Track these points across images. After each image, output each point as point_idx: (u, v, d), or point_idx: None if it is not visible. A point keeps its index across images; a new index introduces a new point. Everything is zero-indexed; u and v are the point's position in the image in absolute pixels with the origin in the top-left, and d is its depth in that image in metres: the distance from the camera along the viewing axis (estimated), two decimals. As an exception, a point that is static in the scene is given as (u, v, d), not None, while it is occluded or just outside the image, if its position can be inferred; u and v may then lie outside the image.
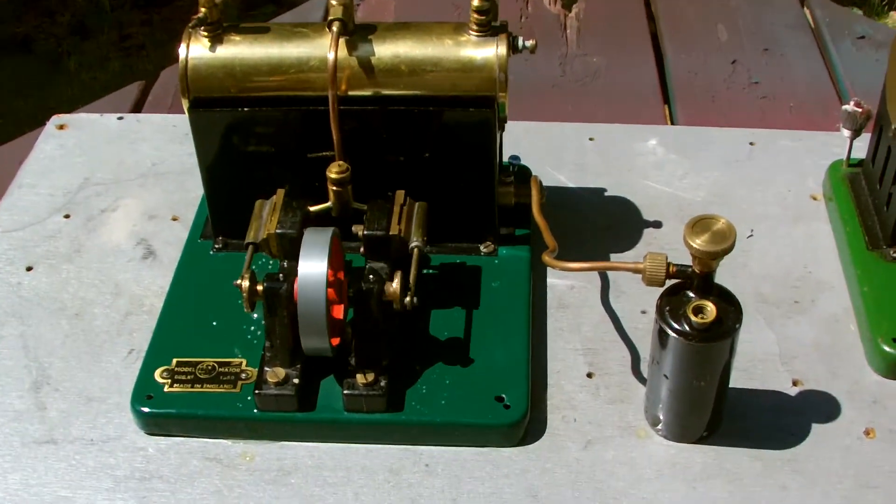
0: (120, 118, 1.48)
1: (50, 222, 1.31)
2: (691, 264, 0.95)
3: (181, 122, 1.43)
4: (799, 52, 1.68)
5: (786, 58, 1.66)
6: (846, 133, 1.25)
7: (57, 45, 3.29)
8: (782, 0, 1.82)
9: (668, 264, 0.96)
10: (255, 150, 1.15)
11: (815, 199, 1.32)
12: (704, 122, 1.50)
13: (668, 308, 0.96)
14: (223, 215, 1.21)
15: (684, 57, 1.67)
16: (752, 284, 1.20)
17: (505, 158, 1.23)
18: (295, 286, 1.00)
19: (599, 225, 1.28)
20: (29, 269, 1.24)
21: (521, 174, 1.23)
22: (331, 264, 1.00)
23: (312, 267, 0.99)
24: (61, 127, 1.46)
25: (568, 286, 1.20)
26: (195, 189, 1.30)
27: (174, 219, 1.31)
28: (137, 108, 1.58)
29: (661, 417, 1.04)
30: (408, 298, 1.01)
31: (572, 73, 1.63)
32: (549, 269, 1.15)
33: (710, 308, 0.94)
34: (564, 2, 1.79)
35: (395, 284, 1.01)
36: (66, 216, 1.32)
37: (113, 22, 3.38)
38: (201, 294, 1.16)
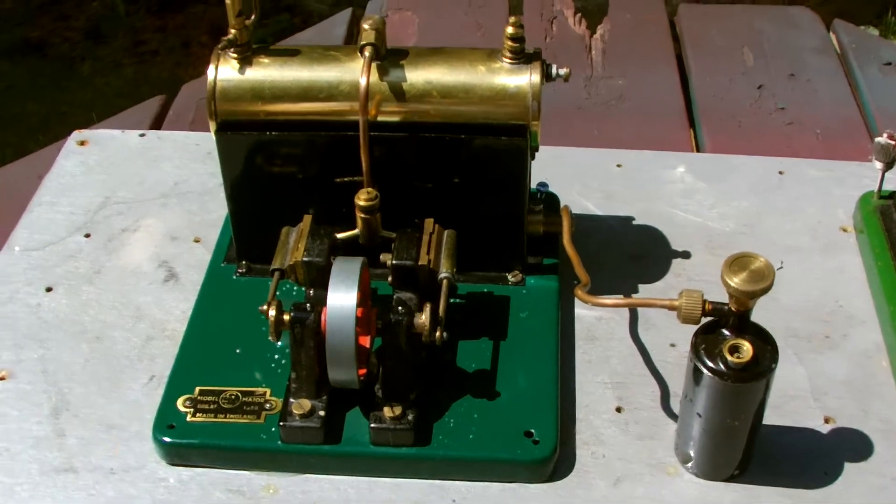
0: (142, 135, 1.47)
1: (70, 242, 1.29)
2: (727, 302, 0.94)
3: (203, 141, 1.42)
4: (825, 78, 1.66)
5: (812, 83, 1.64)
6: (878, 165, 1.23)
7: (71, 49, 3.28)
8: (808, 24, 1.80)
9: (704, 302, 0.95)
10: (281, 175, 1.13)
11: (845, 230, 1.30)
12: (730, 148, 1.48)
13: (703, 346, 0.95)
14: (248, 239, 1.19)
15: (709, 80, 1.66)
16: (782, 318, 1.18)
17: (532, 185, 1.21)
18: (323, 317, 0.99)
19: (628, 254, 1.27)
20: (48, 290, 1.23)
21: (550, 202, 1.22)
22: (359, 295, 0.99)
23: (342, 299, 0.98)
24: (82, 143, 1.45)
25: (596, 317, 1.18)
26: (217, 210, 1.29)
27: (196, 240, 1.29)
28: (158, 123, 1.57)
29: (692, 455, 1.02)
30: (438, 332, 1.00)
31: (597, 96, 1.62)
32: (576, 299, 1.13)
33: (747, 347, 0.93)
34: (589, 23, 1.78)
35: (425, 317, 0.99)
36: (87, 235, 1.30)
37: (127, 27, 3.37)
38: (224, 320, 1.15)
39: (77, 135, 1.47)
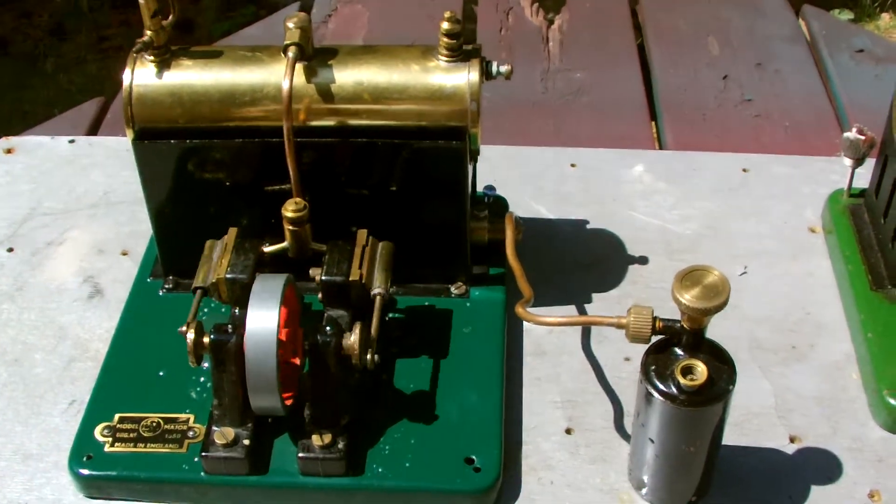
0: (71, 141, 1.39)
1: (-8, 257, 1.22)
2: (679, 319, 0.87)
3: (136, 146, 1.35)
4: (794, 67, 1.59)
5: (780, 73, 1.57)
6: (847, 162, 1.16)
7: (34, 46, 3.22)
8: (777, 11, 1.74)
9: (655, 319, 0.88)
10: (206, 185, 1.06)
11: (813, 231, 1.23)
12: (694, 142, 1.42)
13: (654, 367, 0.88)
14: (173, 253, 1.12)
15: (673, 71, 1.59)
16: (745, 328, 1.12)
17: (479, 188, 1.14)
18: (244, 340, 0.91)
19: (581, 261, 1.20)
20: (-33, 308, 1.16)
21: (497, 206, 1.15)
22: (284, 315, 0.92)
23: (262, 320, 0.90)
24: (9, 151, 1.38)
25: (546, 330, 1.11)
26: (148, 221, 1.21)
27: (124, 253, 1.22)
28: (94, 127, 1.49)
29: (646, 481, 0.95)
30: (368, 355, 0.92)
31: (554, 90, 1.54)
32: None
33: (701, 368, 0.86)
34: (547, 13, 1.70)
35: (354, 337, 0.92)
36: (10, 250, 1.23)
37: (91, 23, 3.31)
38: (148, 340, 1.08)
39: (4, 142, 1.39)
